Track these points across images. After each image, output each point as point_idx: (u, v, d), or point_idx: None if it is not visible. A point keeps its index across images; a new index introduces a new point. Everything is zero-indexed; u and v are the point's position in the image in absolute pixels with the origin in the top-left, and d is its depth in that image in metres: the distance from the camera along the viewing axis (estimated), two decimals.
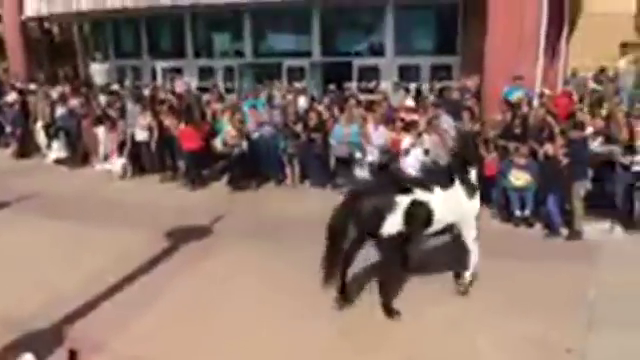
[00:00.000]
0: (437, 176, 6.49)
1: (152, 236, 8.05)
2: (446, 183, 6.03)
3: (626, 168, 7.87)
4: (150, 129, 11.41)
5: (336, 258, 5.78)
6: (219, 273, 6.96)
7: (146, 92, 14.39)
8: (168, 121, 11.21)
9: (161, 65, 18.29)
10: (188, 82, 16.23)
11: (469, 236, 6.15)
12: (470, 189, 6.13)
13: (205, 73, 17.57)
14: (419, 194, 5.75)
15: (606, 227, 8.03)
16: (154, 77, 18.22)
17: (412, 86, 13.99)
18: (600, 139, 8.45)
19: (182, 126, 10.83)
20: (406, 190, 5.73)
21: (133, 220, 8.88)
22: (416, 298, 6.05)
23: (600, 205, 8.18)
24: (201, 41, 18.02)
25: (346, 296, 5.96)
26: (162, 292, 6.45)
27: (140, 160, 11.79)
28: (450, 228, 6.17)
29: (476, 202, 6.20)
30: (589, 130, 8.50)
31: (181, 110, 11.72)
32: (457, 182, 6.06)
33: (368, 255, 6.08)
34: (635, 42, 13.98)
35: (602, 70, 12.84)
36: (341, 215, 5.74)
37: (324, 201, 9.71)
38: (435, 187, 5.90)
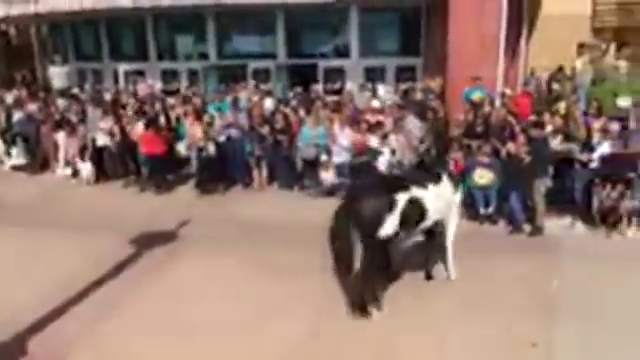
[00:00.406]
0: (426, 172, 6.42)
1: (117, 243, 7.89)
2: (436, 179, 6.04)
3: (584, 165, 8.11)
4: (112, 133, 11.15)
5: (345, 260, 5.57)
6: (186, 279, 6.87)
7: (108, 96, 14.08)
8: (130, 125, 10.99)
9: (123, 68, 17.90)
10: (152, 85, 15.95)
11: (451, 232, 6.22)
12: (454, 183, 6.21)
13: (168, 76, 17.28)
14: (414, 191, 5.67)
15: (566, 223, 8.26)
16: (116, 80, 17.83)
17: (378, 87, 14.10)
18: (559, 137, 8.69)
19: (143, 130, 10.60)
20: (403, 187, 5.62)
21: (98, 226, 8.68)
22: (384, 298, 6.09)
23: (560, 201, 8.42)
24: (164, 43, 17.70)
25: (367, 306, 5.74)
26: (127, 301, 6.33)
27: (102, 165, 11.51)
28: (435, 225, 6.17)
29: (459, 195, 6.28)
30: (549, 129, 8.73)
31: (144, 114, 11.49)
32: (445, 177, 6.11)
33: None
34: (591, 43, 14.43)
35: (560, 69, 13.20)
36: (341, 218, 5.56)
37: (291, 204, 9.78)
38: (429, 183, 5.88)
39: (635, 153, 7.78)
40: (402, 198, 5.53)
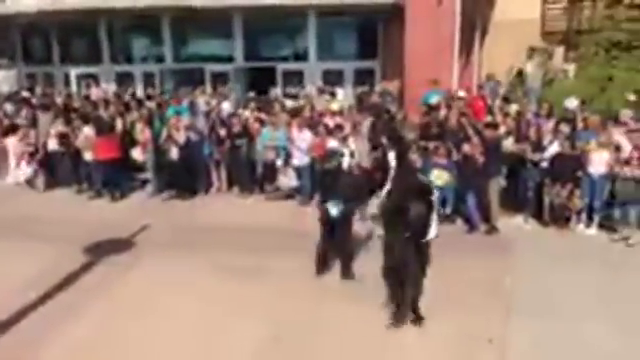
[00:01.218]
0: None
1: (70, 252, 7.63)
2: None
3: (535, 165, 8.37)
4: (62, 139, 10.80)
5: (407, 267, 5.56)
6: (143, 287, 6.71)
7: (59, 100, 13.64)
8: (85, 130, 10.65)
9: (75, 71, 17.40)
10: (106, 89, 15.55)
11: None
12: None
13: (124, 79, 16.90)
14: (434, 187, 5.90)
15: (519, 221, 8.51)
16: (67, 84, 17.31)
17: (337, 90, 14.20)
18: (511, 138, 8.95)
19: (95, 135, 10.29)
20: (432, 189, 5.73)
21: (50, 235, 8.36)
22: (339, 300, 6.13)
23: (514, 201, 8.67)
24: (118, 46, 17.32)
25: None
26: (79, 312, 6.12)
27: (54, 171, 11.14)
28: None
29: None
30: (502, 130, 8.97)
31: (97, 119, 11.16)
32: None
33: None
34: (541, 46, 14.94)
35: (520, 73, 13.54)
36: (396, 225, 5.51)
37: (251, 208, 9.71)
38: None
39: (582, 153, 8.08)
40: (436, 197, 5.72)
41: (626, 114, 8.87)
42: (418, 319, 5.70)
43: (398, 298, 5.67)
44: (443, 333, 5.53)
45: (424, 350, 5.30)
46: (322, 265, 6.74)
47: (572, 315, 5.81)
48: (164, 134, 10.32)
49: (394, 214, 5.54)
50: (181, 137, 10.20)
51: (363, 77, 15.37)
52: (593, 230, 8.11)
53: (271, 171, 10.15)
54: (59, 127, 10.92)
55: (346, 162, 9.08)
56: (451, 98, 10.72)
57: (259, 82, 14.93)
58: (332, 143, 9.28)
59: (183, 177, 10.36)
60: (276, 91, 14.87)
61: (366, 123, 9.71)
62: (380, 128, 9.25)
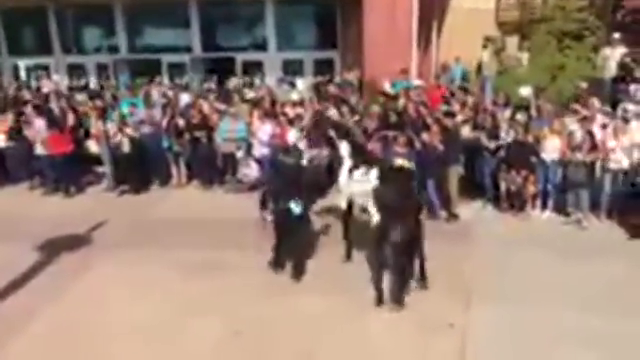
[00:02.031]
0: None
1: (23, 250, 7.39)
2: None
3: (492, 153, 8.56)
4: (10, 133, 10.37)
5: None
6: (100, 284, 6.57)
7: (9, 92, 13.07)
8: (35, 124, 10.25)
9: (24, 63, 16.69)
10: (57, 81, 14.98)
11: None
12: None
13: (76, 70, 16.31)
14: None
15: (478, 208, 8.70)
16: (16, 76, 16.59)
17: (298, 81, 14.13)
18: (468, 127, 9.10)
19: (46, 130, 9.92)
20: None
21: (2, 232, 8.03)
22: (300, 294, 6.14)
23: (472, 188, 8.85)
24: (69, 36, 16.69)
25: None
26: (33, 313, 5.92)
27: (3, 167, 10.69)
28: None
29: None
30: (459, 118, 9.12)
31: (48, 112, 10.75)
32: None
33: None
34: (494, 36, 15.24)
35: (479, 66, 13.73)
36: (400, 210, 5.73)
37: (211, 201, 9.58)
38: None
39: (535, 140, 8.31)
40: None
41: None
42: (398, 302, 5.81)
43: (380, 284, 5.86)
44: (405, 319, 5.61)
45: (386, 337, 5.37)
46: (280, 264, 6.68)
47: (530, 298, 5.99)
48: (114, 128, 10.01)
49: (388, 202, 5.73)
50: (132, 130, 9.95)
51: (323, 67, 15.33)
52: (547, 214, 8.37)
53: (232, 163, 10.04)
54: (7, 121, 10.47)
55: (305, 157, 9.06)
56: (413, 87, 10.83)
57: (218, 73, 14.68)
58: (292, 133, 9.25)
59: (136, 171, 10.11)
60: (236, 82, 14.66)
61: (331, 113, 9.68)
62: (325, 122, 9.10)
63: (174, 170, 10.40)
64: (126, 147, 9.92)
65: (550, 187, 8.31)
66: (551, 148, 8.17)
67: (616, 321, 5.45)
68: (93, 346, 5.34)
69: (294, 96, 11.48)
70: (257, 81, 14.44)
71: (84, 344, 5.35)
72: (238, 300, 6.03)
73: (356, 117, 9.51)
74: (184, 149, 10.14)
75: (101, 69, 16.20)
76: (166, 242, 7.61)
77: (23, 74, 16.61)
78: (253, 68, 15.53)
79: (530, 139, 8.32)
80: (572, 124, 8.42)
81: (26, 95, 12.62)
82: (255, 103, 10.84)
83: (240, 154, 9.81)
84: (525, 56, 13.51)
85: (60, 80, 15.21)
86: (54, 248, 7.50)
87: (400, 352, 5.14)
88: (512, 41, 15.43)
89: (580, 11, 14.10)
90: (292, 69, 15.25)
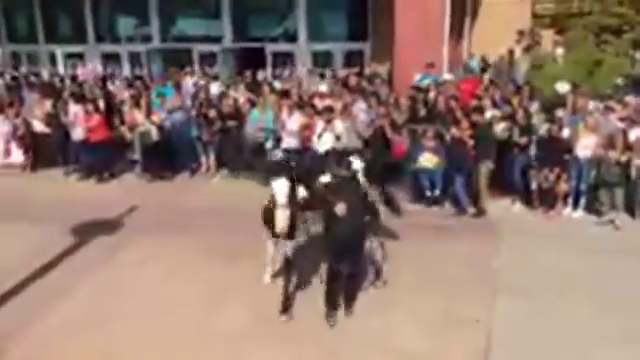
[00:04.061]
0: None
1: (59, 233, 7.61)
2: None
3: (522, 149, 8.41)
4: (49, 119, 10.65)
5: None
6: (132, 268, 6.71)
7: (45, 79, 13.44)
8: (72, 111, 10.52)
9: (60, 50, 17.09)
10: (94, 69, 15.32)
11: None
12: None
13: (110, 59, 16.65)
14: None
15: (507, 204, 8.58)
16: (53, 63, 17.01)
17: (327, 72, 14.14)
18: (504, 124, 8.91)
19: (84, 116, 10.16)
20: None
21: (39, 216, 8.30)
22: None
23: (501, 184, 8.72)
24: (104, 25, 17.02)
25: None
26: (69, 292, 6.14)
27: (40, 152, 11.00)
28: None
29: None
30: (489, 113, 8.98)
31: (85, 99, 11.02)
32: None
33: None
34: (529, 30, 14.93)
35: (511, 52, 13.46)
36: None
37: (239, 190, 9.67)
38: None
39: (570, 136, 8.14)
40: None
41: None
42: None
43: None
44: (431, 313, 5.60)
45: (411, 330, 5.36)
46: None
47: (557, 296, 5.91)
48: (142, 116, 10.17)
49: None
50: (159, 118, 10.10)
51: (353, 59, 15.28)
52: (579, 213, 8.20)
53: (260, 153, 10.10)
54: (45, 107, 10.76)
55: (329, 144, 8.99)
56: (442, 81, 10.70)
57: (248, 63, 14.78)
58: (320, 125, 9.24)
59: (164, 158, 10.27)
60: (265, 72, 14.74)
61: (359, 105, 9.60)
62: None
63: (203, 159, 10.54)
64: (154, 135, 10.09)
65: (583, 185, 8.13)
66: (585, 145, 7.99)
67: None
68: (125, 323, 5.49)
69: (323, 88, 11.47)
70: (286, 72, 14.48)
71: (114, 324, 5.50)
72: (265, 285, 6.10)
73: (382, 109, 9.40)
74: (214, 138, 10.26)
75: (134, 58, 16.49)
76: (195, 229, 7.73)
77: (60, 61, 17.02)
78: (283, 59, 15.60)
79: (563, 136, 8.15)
80: (609, 122, 8.21)
81: (63, 82, 12.96)
82: (284, 94, 10.87)
83: (269, 144, 9.87)
84: (560, 51, 13.21)
85: (95, 68, 15.55)
86: (86, 232, 7.71)
87: (425, 346, 5.13)
88: (547, 35, 15.09)
89: (620, 5, 13.70)
90: (322, 60, 15.26)
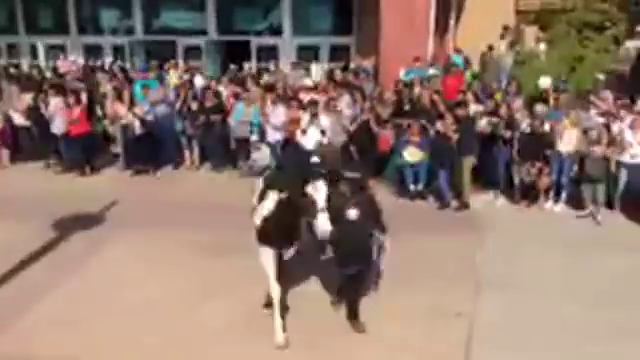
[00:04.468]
0: None
1: (39, 227, 7.50)
2: None
3: (506, 143, 8.47)
4: (30, 112, 10.47)
5: None
6: (114, 263, 6.65)
7: (25, 71, 13.21)
8: (52, 103, 10.35)
9: (41, 42, 16.78)
10: (76, 61, 15.07)
11: None
12: None
13: (92, 51, 16.39)
14: None
15: (490, 198, 8.65)
16: (34, 55, 16.71)
17: (312, 66, 14.09)
18: (486, 118, 8.97)
19: (64, 108, 10.00)
20: None
21: (20, 211, 8.14)
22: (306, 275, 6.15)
23: (484, 178, 8.79)
24: (86, 16, 16.74)
25: None
26: (51, 287, 6.05)
27: (20, 146, 10.82)
28: None
29: None
30: (473, 108, 9.03)
31: (66, 91, 10.85)
32: None
33: None
34: (512, 26, 14.99)
35: (490, 48, 13.50)
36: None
37: (223, 184, 9.62)
38: None
39: (552, 131, 8.21)
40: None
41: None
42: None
43: None
44: (414, 307, 5.62)
45: (393, 321, 5.37)
46: None
47: (539, 289, 5.97)
48: (124, 108, 10.04)
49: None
50: (141, 111, 9.99)
51: (338, 53, 15.23)
52: (560, 207, 8.29)
53: (245, 147, 10.05)
54: (25, 100, 10.58)
55: (314, 138, 8.96)
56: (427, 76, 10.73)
57: (233, 57, 14.67)
58: (305, 119, 9.21)
59: (152, 152, 10.17)
60: (250, 65, 14.65)
61: (344, 99, 9.62)
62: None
63: (187, 153, 10.45)
64: (137, 128, 9.98)
65: (564, 180, 8.22)
66: (567, 140, 8.07)
67: (623, 315, 5.41)
68: (108, 319, 5.44)
69: (308, 81, 11.44)
70: (271, 66, 14.41)
71: (100, 318, 5.46)
72: (250, 280, 6.03)
73: (367, 104, 9.42)
74: (197, 132, 10.17)
75: (117, 51, 16.26)
76: (178, 223, 7.67)
77: (41, 54, 16.72)
78: (268, 52, 15.50)
79: (546, 131, 8.23)
80: (589, 117, 8.30)
81: (44, 74, 12.74)
82: (268, 88, 10.82)
83: (254, 137, 9.81)
84: (543, 47, 13.30)
85: (77, 60, 15.31)
86: (68, 226, 7.61)
87: (407, 339, 5.15)
88: (530, 31, 15.17)
89: (602, 1, 13.81)
90: (307, 55, 15.19)
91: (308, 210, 4.78)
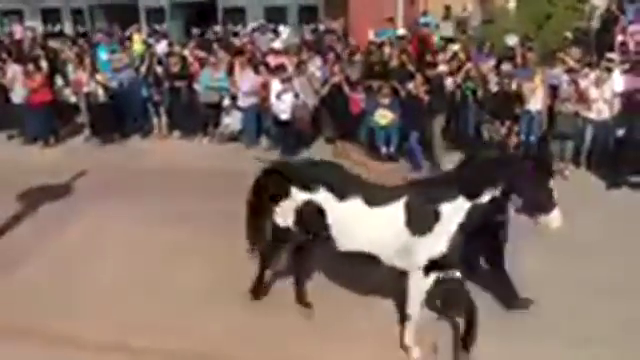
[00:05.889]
0: None
1: (6, 201, 7.26)
2: None
3: (478, 103, 8.51)
4: None
5: None
6: (82, 235, 6.52)
7: None
8: (10, 71, 9.93)
9: None
10: (33, 27, 14.43)
11: None
12: None
13: (50, 16, 15.73)
14: None
15: (461, 158, 8.71)
16: None
17: (280, 28, 13.80)
18: (451, 79, 8.97)
19: (23, 77, 9.61)
20: None
21: None
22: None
23: (453, 138, 8.86)
24: None
25: None
26: (20, 262, 5.89)
27: None
28: None
29: None
30: (442, 68, 9.01)
31: (25, 58, 10.42)
32: None
33: None
34: None
35: (447, 8, 13.41)
36: None
37: (194, 151, 9.47)
38: None
39: (520, 90, 8.27)
40: None
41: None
42: None
43: None
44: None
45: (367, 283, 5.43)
46: None
47: (511, 245, 6.07)
48: (86, 75, 9.72)
49: None
50: (103, 78, 9.69)
51: (307, 14, 14.96)
52: None
53: (214, 113, 9.87)
54: None
55: (289, 103, 8.93)
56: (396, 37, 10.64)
57: (198, 19, 14.27)
58: (275, 83, 9.08)
59: (113, 120, 9.92)
60: (217, 29, 14.27)
61: (313, 62, 9.50)
62: None
63: (155, 120, 10.22)
64: (101, 96, 9.68)
65: (532, 137, 8.34)
66: (534, 98, 8.15)
67: (584, 270, 5.58)
68: (80, 289, 5.36)
69: (277, 45, 11.22)
70: (239, 28, 14.08)
71: (70, 290, 5.37)
72: (221, 243, 6.00)
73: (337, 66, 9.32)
74: (163, 98, 9.92)
75: (76, 15, 15.63)
76: (147, 193, 7.51)
77: None
78: (234, 15, 15.13)
79: (514, 89, 8.28)
80: (557, 75, 8.38)
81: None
82: (236, 52, 10.57)
83: (226, 102, 9.63)
84: (512, 5, 13.30)
85: (34, 26, 14.67)
86: (34, 199, 7.40)
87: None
88: None
89: None
90: (275, 16, 14.87)
91: None
